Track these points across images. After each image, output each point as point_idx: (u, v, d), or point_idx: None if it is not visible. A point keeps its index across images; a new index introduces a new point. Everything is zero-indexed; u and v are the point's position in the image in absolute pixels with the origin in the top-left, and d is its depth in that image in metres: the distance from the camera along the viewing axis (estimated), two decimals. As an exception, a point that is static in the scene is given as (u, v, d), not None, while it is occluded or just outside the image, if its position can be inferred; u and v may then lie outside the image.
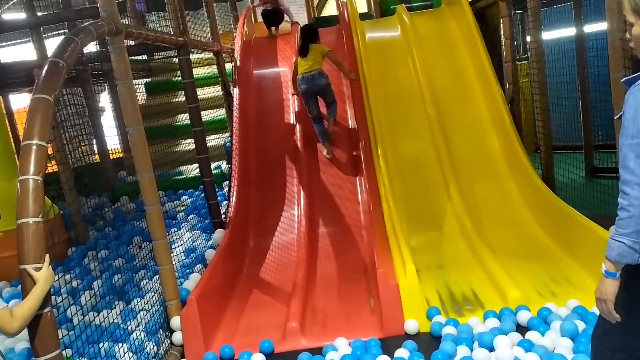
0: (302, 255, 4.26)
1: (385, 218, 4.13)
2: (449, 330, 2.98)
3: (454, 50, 5.41)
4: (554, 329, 2.81)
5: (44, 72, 2.21)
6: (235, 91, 5.53)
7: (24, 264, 1.92)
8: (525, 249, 3.89)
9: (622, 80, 1.62)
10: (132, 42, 4.10)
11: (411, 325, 3.09)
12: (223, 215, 4.76)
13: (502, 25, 5.27)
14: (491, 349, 2.74)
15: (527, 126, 5.44)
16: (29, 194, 1.95)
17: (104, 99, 7.15)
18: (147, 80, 6.79)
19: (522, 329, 2.92)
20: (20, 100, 8.25)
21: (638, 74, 1.57)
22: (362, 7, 7.48)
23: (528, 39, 5.84)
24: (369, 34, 5.89)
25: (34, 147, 2.01)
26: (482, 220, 4.21)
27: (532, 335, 2.80)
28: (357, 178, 5.01)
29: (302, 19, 7.94)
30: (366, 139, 4.90)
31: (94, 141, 6.07)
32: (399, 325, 3.12)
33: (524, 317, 2.96)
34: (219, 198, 4.86)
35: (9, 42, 8.27)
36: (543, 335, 2.79)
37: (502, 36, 5.32)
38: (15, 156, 4.78)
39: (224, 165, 5.93)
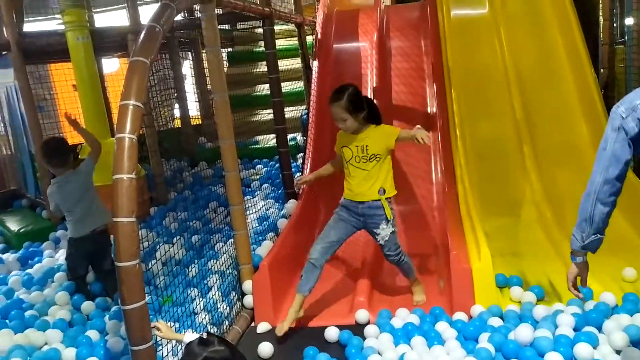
0: (372, 232, 4.26)
1: (459, 200, 4.05)
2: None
3: (545, 30, 5.13)
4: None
5: (142, 35, 2.29)
6: (315, 64, 5.54)
7: (117, 217, 2.03)
8: (609, 242, 3.68)
9: None
10: (219, 11, 4.17)
11: (479, 310, 3.05)
12: (296, 188, 4.81)
13: (601, 4, 4.94)
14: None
15: (620, 114, 5.12)
16: (125, 151, 2.04)
17: (185, 67, 7.38)
18: (230, 49, 6.93)
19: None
20: (110, 65, 8.65)
21: None
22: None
23: (628, 21, 5.46)
24: (454, 11, 5.70)
25: (131, 107, 2.10)
26: (564, 210, 4.02)
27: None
28: (432, 158, 4.93)
29: (385, -6, 7.78)
30: (444, 118, 4.79)
31: (177, 107, 6.28)
32: (467, 309, 3.08)
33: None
34: (292, 169, 4.93)
35: (104, 8, 8.65)
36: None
37: (601, 17, 5.00)
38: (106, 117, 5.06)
39: (299, 137, 5.99)
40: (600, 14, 5.04)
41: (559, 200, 4.16)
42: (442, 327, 2.90)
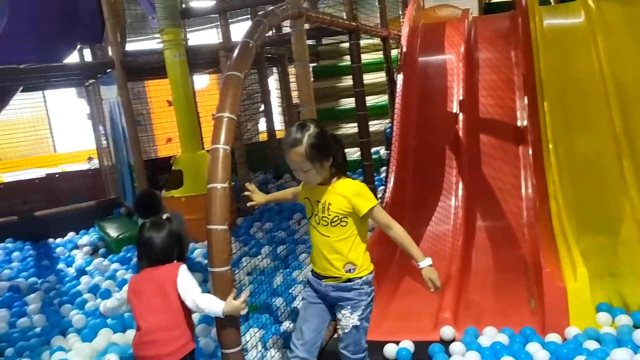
0: (457, 247, 4.15)
1: (552, 217, 3.86)
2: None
3: (647, 39, 4.82)
4: None
5: (236, 51, 2.39)
6: (399, 77, 5.53)
7: (210, 225, 2.13)
8: None
9: None
10: (307, 26, 4.28)
11: (574, 332, 2.89)
12: (379, 200, 4.81)
13: None
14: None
15: None
16: (219, 161, 2.15)
17: (271, 82, 7.62)
18: (315, 64, 7.07)
19: None
20: (200, 81, 9.12)
21: None
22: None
23: None
24: (547, 20, 5.49)
25: (225, 119, 2.20)
26: (669, 229, 3.74)
27: None
28: (522, 173, 4.75)
29: (473, 4, 7.67)
30: (536, 132, 4.60)
31: (263, 120, 6.49)
32: (561, 331, 2.93)
33: None
34: (376, 183, 4.92)
35: (196, 28, 9.13)
36: None
37: None
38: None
39: (382, 151, 5.98)
40: None
41: (663, 219, 3.86)
42: (533, 348, 2.78)
